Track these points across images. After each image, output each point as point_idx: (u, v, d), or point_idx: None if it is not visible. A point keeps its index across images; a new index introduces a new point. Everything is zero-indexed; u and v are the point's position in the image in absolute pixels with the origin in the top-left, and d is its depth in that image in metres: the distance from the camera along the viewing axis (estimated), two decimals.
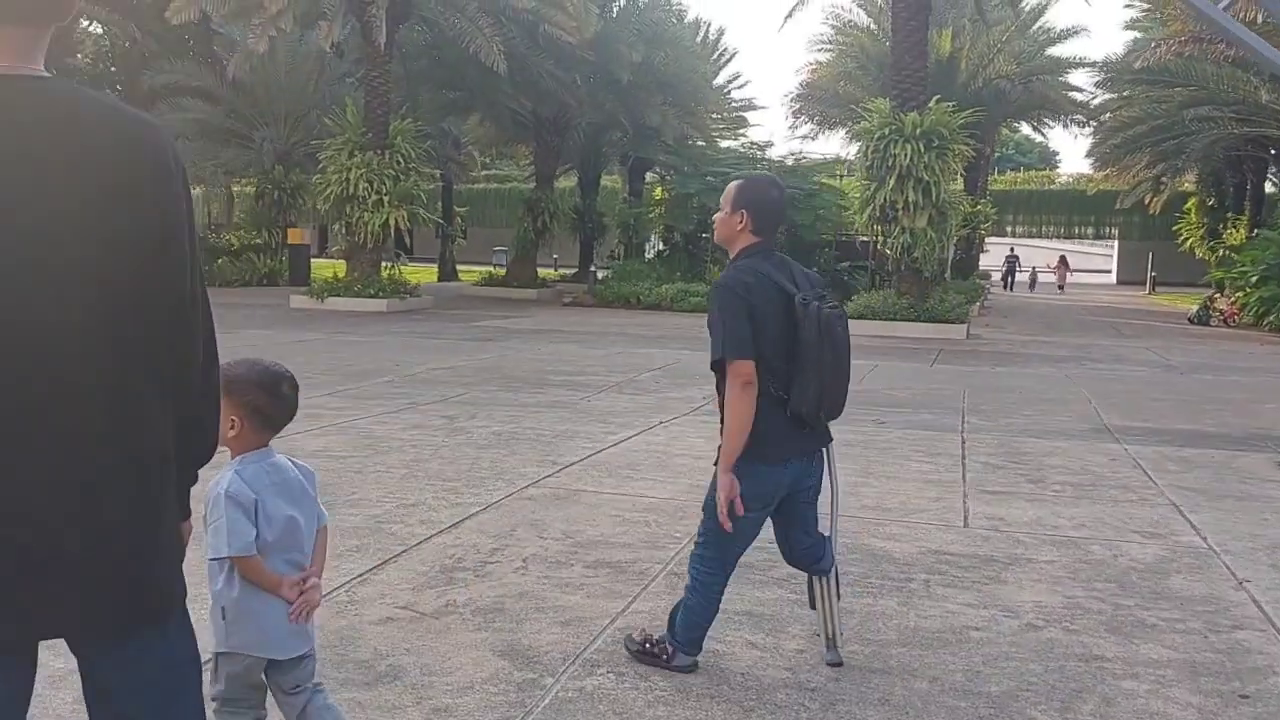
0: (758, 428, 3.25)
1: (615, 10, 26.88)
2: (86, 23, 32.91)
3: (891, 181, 17.87)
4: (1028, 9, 27.59)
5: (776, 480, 3.41)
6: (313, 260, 30.17)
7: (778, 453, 3.36)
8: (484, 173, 51.28)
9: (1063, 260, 43.62)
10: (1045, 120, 33.62)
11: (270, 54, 28.29)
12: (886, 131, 17.89)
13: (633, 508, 5.76)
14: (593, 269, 29.09)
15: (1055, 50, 30.06)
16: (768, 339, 3.27)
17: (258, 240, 29.46)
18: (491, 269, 36.65)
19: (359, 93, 22.36)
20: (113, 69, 31.89)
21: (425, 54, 26.53)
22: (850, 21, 29.40)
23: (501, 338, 16.08)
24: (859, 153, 18.53)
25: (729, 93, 36.65)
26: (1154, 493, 6.56)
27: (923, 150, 17.73)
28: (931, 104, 18.35)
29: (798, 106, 30.11)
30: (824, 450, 3.61)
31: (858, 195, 19.40)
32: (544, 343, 15.39)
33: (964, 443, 8.09)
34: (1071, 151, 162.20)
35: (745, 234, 3.38)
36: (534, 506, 5.70)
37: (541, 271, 30.80)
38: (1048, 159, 73.84)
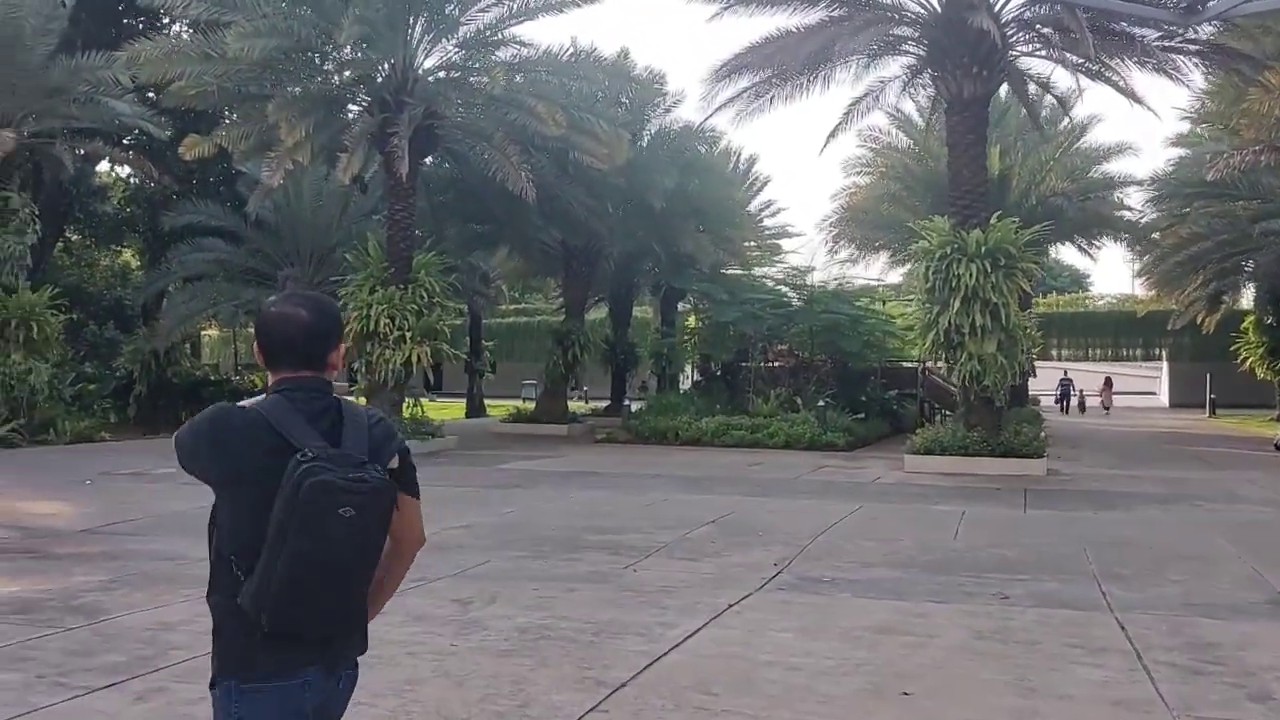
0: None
1: (646, 138, 26.06)
2: (118, 169, 32.74)
3: (956, 304, 16.34)
4: (1074, 125, 26.56)
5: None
6: None
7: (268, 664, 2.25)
8: (512, 306, 50.55)
9: (1108, 382, 42.52)
10: (1095, 241, 32.29)
11: (295, 192, 27.75)
12: (948, 250, 16.46)
13: None
14: (626, 402, 27.58)
15: (1105, 167, 28.93)
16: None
17: None
18: (520, 404, 35.40)
19: (382, 229, 21.39)
20: (134, 211, 31.41)
21: (451, 187, 25.76)
22: (889, 144, 28.50)
23: (530, 483, 14.42)
24: (917, 274, 17.08)
25: (762, 220, 35.73)
26: None
27: (989, 270, 16.24)
28: (994, 220, 16.97)
29: (836, 231, 29.02)
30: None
31: (915, 319, 17.89)
32: (576, 488, 13.72)
33: (1124, 629, 6.27)
34: (1105, 273, 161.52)
35: (268, 368, 2.41)
36: None
37: (571, 405, 29.33)
38: (1079, 281, 72.51)
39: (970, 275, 16.33)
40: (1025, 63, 18.84)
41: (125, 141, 26.60)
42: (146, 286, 29.02)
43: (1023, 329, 17.55)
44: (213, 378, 31.19)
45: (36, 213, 21.31)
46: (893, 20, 17.70)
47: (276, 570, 2.14)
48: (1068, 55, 18.13)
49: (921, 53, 18.01)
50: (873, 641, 5.82)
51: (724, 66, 17.92)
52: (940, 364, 18.08)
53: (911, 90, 21.45)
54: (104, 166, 32.48)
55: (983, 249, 16.39)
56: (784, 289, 27.68)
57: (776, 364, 25.01)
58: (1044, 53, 18.62)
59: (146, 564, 8.14)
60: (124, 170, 32.21)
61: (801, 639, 5.83)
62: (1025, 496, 13.35)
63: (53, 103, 20.89)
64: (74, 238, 34.74)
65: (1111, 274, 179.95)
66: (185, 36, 18.96)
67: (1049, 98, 22.41)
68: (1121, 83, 18.60)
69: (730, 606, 6.66)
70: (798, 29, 17.11)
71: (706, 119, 18.81)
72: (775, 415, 22.14)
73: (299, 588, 2.16)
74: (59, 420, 20.99)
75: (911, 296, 34.88)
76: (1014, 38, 17.85)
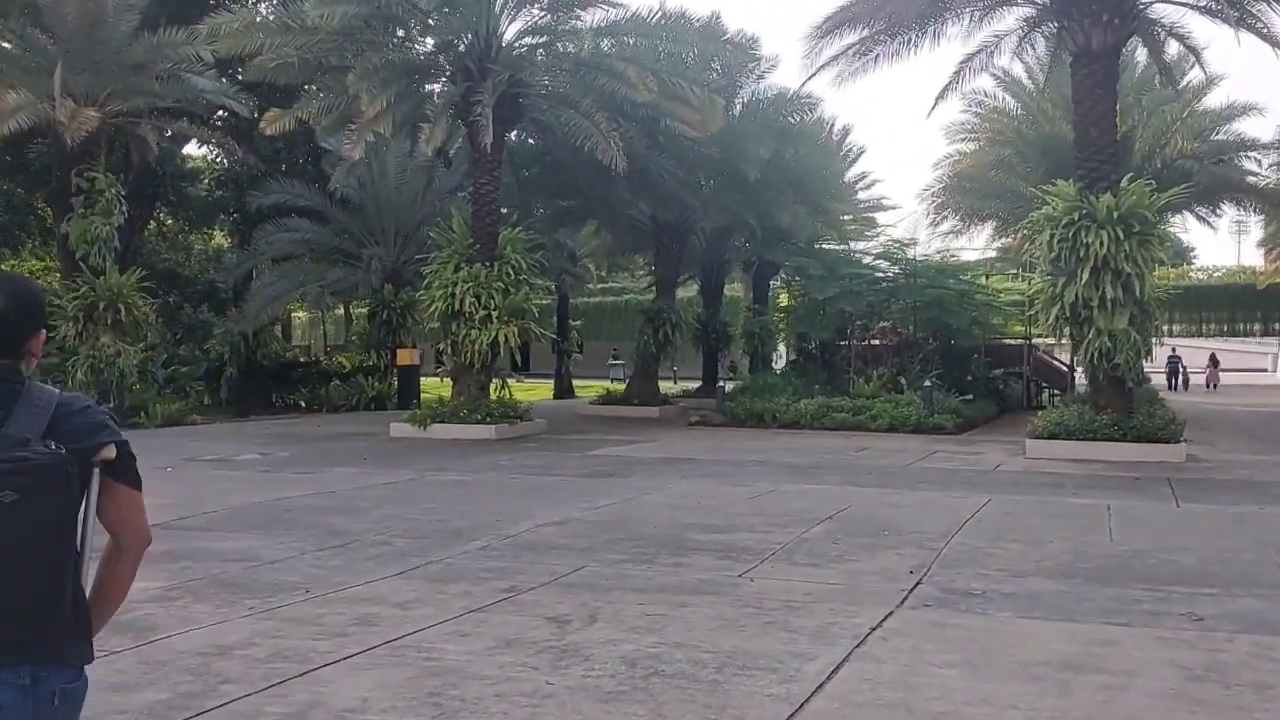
0: None
1: (738, 105, 24.88)
2: (207, 150, 32.74)
3: (1084, 275, 14.93)
4: (1200, 81, 24.58)
5: None
6: (425, 379, 28.54)
7: None
8: (599, 285, 49.84)
9: (1213, 359, 40.23)
10: (1217, 209, 30.09)
11: (380, 169, 27.31)
12: (1076, 217, 15.04)
13: None
14: (720, 384, 26.56)
15: (1234, 127, 26.84)
16: None
17: (368, 362, 28.01)
18: (609, 384, 34.64)
19: (467, 205, 20.70)
20: (224, 193, 31.36)
21: (537, 161, 24.99)
22: (995, 107, 26.84)
23: (624, 471, 13.54)
24: (1040, 243, 15.68)
25: (856, 193, 34.26)
26: None
27: (1120, 237, 14.79)
28: (1125, 184, 15.49)
29: (940, 200, 27.45)
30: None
31: (1037, 291, 16.51)
32: (675, 477, 12.78)
33: None
34: (1210, 245, 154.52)
35: None
36: None
37: (662, 386, 28.45)
38: (1182, 254, 68.83)
39: (1100, 243, 14.90)
40: (1157, 10, 17.21)
41: (211, 121, 26.39)
42: (236, 268, 28.96)
43: (1157, 302, 16.07)
44: (302, 359, 31.12)
45: (123, 193, 21.07)
46: None
47: None
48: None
49: (1046, 1, 16.51)
50: (1061, 683, 4.76)
51: (829, 20, 16.66)
52: (1064, 340, 16.63)
53: (1023, 48, 19.90)
54: (194, 150, 32.55)
55: (1114, 215, 14.93)
56: (883, 263, 26.31)
57: (878, 342, 23.72)
58: None
59: (214, 566, 7.44)
60: (212, 152, 32.25)
61: (971, 678, 4.80)
62: (1171, 487, 12.01)
63: (136, 80, 20.58)
64: (168, 222, 34.96)
65: (1217, 245, 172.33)
66: (264, 8, 18.35)
67: (1171, 50, 20.67)
68: (1265, 30, 16.88)
69: (873, 630, 5.63)
70: None
71: (807, 81, 17.84)
72: (878, 396, 20.92)
73: None
74: (150, 404, 20.81)
75: (1013, 271, 33.29)
76: None
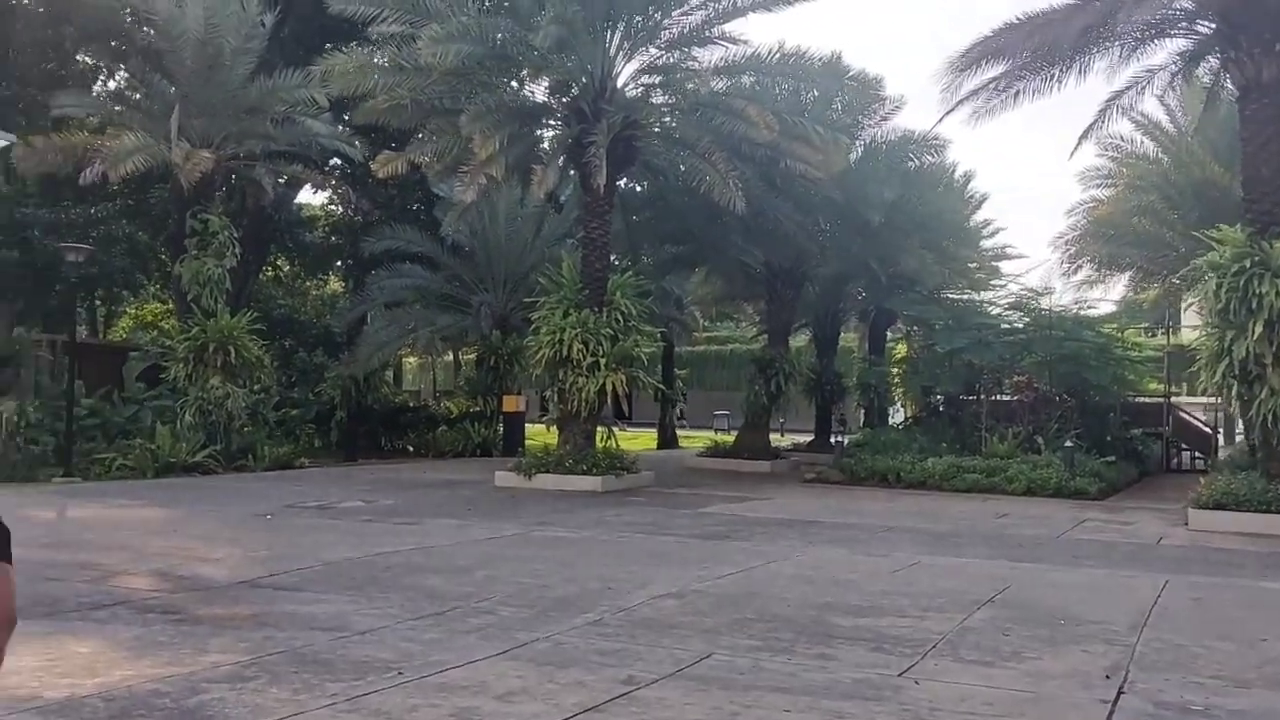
0: None
1: (859, 147, 23.84)
2: (320, 197, 33.15)
3: (1257, 329, 13.44)
4: None
5: None
6: (529, 426, 28.03)
7: None
8: (704, 335, 49.04)
9: None
10: None
11: (490, 215, 27.09)
12: (1248, 264, 13.59)
13: None
14: (839, 438, 25.31)
15: None
16: None
17: (475, 408, 27.64)
18: (714, 435, 33.61)
19: (575, 252, 20.15)
20: (338, 239, 31.64)
21: (648, 205, 24.40)
22: (1133, 152, 25.25)
23: (742, 533, 12.49)
24: (1205, 293, 14.24)
25: (981, 240, 32.76)
26: None
27: None
28: None
29: (1074, 248, 25.89)
30: None
31: (1201, 346, 15.02)
32: (801, 542, 11.68)
33: None
34: None
35: None
36: None
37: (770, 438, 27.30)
38: None
39: (1275, 294, 13.43)
40: None
41: (325, 167, 26.55)
42: (348, 313, 29.04)
43: None
44: (411, 404, 30.92)
45: (237, 236, 21.08)
46: None
47: None
48: None
49: (1208, 30, 15.17)
50: None
51: (971, 52, 15.54)
52: (1233, 402, 15.07)
53: (1172, 86, 18.46)
54: (308, 197, 32.97)
55: None
56: (1013, 313, 24.78)
57: (1010, 398, 22.19)
58: None
59: (298, 636, 6.66)
60: (325, 198, 32.63)
61: None
62: None
63: (250, 123, 20.65)
64: (285, 268, 35.47)
65: None
66: (377, 53, 18.17)
67: None
68: None
69: None
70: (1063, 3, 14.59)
71: (945, 115, 16.48)
72: (1013, 456, 19.42)
73: None
74: (258, 446, 20.57)
75: (1145, 325, 31.23)
76: None
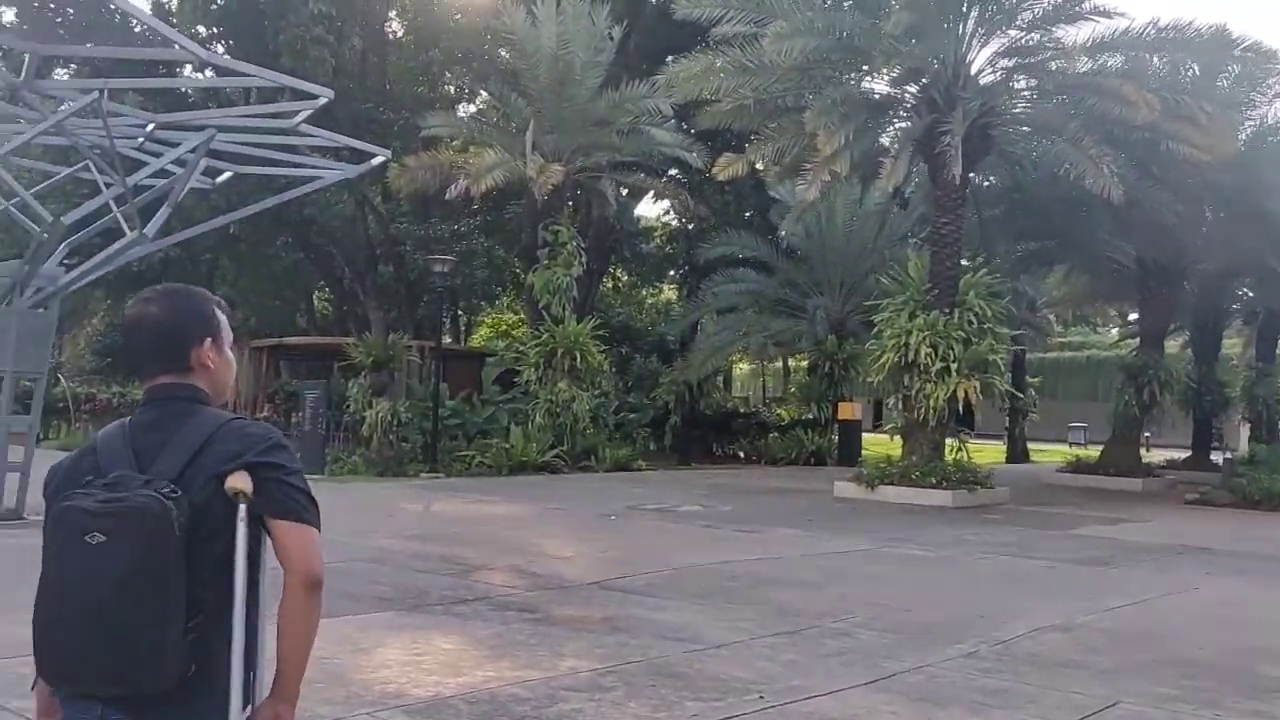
0: None
1: (1248, 128, 20.93)
2: (657, 207, 34.07)
3: None
4: None
5: None
6: (864, 435, 27.10)
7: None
8: (1056, 340, 45.58)
9: None
10: None
11: (828, 216, 26.49)
12: None
13: None
14: (1227, 455, 22.40)
15: None
16: None
17: (807, 415, 27.15)
18: (1068, 449, 31.00)
19: (919, 252, 19.08)
20: (673, 248, 32.27)
21: (1001, 199, 22.73)
22: None
23: (1125, 560, 11.05)
24: None
25: None
26: None
27: None
28: None
29: None
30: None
31: None
32: (1197, 573, 10.12)
33: None
34: None
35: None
36: None
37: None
38: None
39: None
40: None
41: (665, 176, 27.08)
42: (682, 319, 29.49)
43: None
44: (742, 410, 30.91)
45: (583, 246, 21.85)
46: None
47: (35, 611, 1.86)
48: None
49: None
50: None
51: None
52: None
53: None
54: (645, 209, 33.94)
55: None
56: None
57: None
58: None
59: (651, 645, 6.39)
60: (662, 207, 33.42)
61: None
62: None
63: (598, 135, 21.31)
64: (623, 278, 36.77)
65: None
66: (719, 54, 18.11)
67: None
68: None
69: None
70: None
71: None
72: None
73: (53, 626, 1.85)
74: (600, 447, 21.23)
75: None
76: None
